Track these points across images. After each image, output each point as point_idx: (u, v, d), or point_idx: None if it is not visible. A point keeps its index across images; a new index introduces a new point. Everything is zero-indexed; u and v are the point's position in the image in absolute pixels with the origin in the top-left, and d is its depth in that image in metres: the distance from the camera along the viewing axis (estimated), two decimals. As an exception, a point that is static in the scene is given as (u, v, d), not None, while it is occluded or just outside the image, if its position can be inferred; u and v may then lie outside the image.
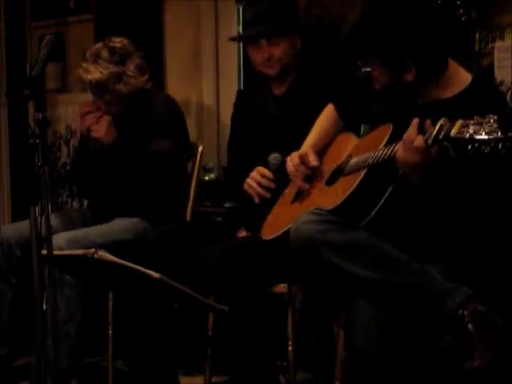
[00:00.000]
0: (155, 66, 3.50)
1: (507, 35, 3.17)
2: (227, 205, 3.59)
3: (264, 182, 2.86)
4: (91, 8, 4.59)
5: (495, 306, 2.24)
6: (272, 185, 2.85)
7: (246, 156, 3.11)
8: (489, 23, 3.20)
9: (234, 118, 3.32)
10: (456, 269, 2.28)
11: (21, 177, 4.89)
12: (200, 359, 3.19)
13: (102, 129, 3.29)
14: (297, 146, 2.82)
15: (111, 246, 3.06)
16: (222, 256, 2.69)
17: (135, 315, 3.08)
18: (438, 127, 2.14)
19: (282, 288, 2.75)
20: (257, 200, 2.87)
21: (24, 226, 3.07)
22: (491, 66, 3.17)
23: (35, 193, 2.18)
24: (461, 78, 2.43)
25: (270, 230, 2.72)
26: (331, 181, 2.64)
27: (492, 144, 2.00)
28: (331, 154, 2.76)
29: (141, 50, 3.40)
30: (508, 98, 3.02)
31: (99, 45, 3.31)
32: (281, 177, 2.82)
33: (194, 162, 3.44)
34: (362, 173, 2.42)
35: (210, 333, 3.00)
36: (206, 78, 4.21)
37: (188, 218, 3.39)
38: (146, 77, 3.36)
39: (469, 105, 2.27)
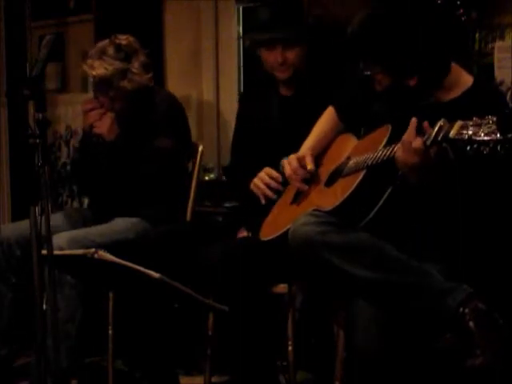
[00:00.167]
0: (155, 66, 3.50)
1: (507, 35, 3.17)
2: (227, 205, 3.59)
3: (273, 184, 2.85)
4: (91, 8, 4.59)
5: (495, 306, 2.25)
6: (281, 187, 2.85)
7: (251, 156, 3.10)
8: (489, 23, 3.20)
9: (239, 117, 3.31)
10: (455, 269, 2.29)
11: (21, 177, 4.89)
12: (200, 359, 3.19)
13: (104, 125, 3.30)
14: (299, 147, 2.81)
15: (111, 246, 3.06)
16: (222, 256, 2.69)
17: (135, 315, 3.08)
18: (437, 128, 2.14)
19: (282, 288, 2.75)
20: (263, 201, 2.86)
21: (24, 225, 3.06)
22: (491, 66, 3.17)
23: (35, 193, 2.17)
24: (462, 80, 2.43)
25: (269, 231, 2.72)
26: (330, 182, 2.64)
27: (491, 145, 2.00)
28: (331, 155, 2.76)
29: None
30: (508, 98, 3.03)
31: (105, 41, 3.31)
32: (285, 179, 2.82)
33: (194, 162, 3.44)
34: (361, 174, 2.42)
35: (210, 333, 3.00)
36: (206, 77, 4.21)
37: (188, 218, 3.39)
38: (150, 75, 3.37)
39: (470, 106, 2.27)
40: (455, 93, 2.40)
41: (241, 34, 4.09)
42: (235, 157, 3.28)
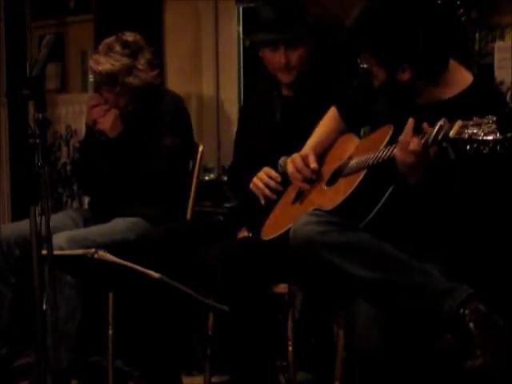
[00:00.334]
0: (155, 65, 3.52)
1: (507, 35, 3.17)
2: (227, 205, 3.59)
3: (272, 183, 2.85)
4: (91, 8, 4.59)
5: (495, 306, 2.24)
6: (280, 187, 2.84)
7: (253, 156, 3.10)
8: (489, 23, 3.20)
9: (241, 118, 3.31)
10: (456, 269, 2.28)
11: (21, 177, 4.89)
12: (200, 359, 3.19)
13: (107, 122, 3.32)
14: (302, 147, 2.81)
15: (112, 246, 3.06)
16: (222, 256, 2.69)
17: (135, 315, 3.08)
18: (437, 128, 2.14)
19: (282, 288, 2.75)
20: (263, 201, 2.86)
21: (23, 225, 3.07)
22: (491, 66, 3.17)
23: (35, 193, 2.18)
24: (461, 78, 2.43)
25: (270, 231, 2.72)
26: (332, 181, 2.64)
27: (491, 145, 2.01)
28: (333, 155, 2.76)
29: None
30: (508, 98, 3.02)
31: (111, 38, 3.33)
32: (287, 181, 2.82)
33: (194, 162, 3.44)
34: (362, 173, 2.42)
35: (209, 333, 3.00)
36: (206, 77, 4.21)
37: (188, 217, 3.39)
38: (155, 72, 3.38)
39: (469, 105, 2.27)
40: (454, 91, 2.40)
41: (241, 34, 4.09)
42: (237, 157, 3.28)
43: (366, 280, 2.28)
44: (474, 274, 2.31)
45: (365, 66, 2.44)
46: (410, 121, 2.25)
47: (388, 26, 2.35)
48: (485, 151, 2.02)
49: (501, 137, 2.00)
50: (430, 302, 2.24)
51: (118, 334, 3.24)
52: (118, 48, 3.27)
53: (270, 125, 3.10)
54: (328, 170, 2.70)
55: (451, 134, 2.09)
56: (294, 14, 2.99)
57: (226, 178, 3.67)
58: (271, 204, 2.87)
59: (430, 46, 2.36)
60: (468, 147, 2.04)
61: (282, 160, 2.87)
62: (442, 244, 2.35)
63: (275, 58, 2.99)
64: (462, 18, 3.19)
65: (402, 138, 2.24)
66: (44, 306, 2.27)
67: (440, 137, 2.13)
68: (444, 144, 2.15)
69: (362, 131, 2.74)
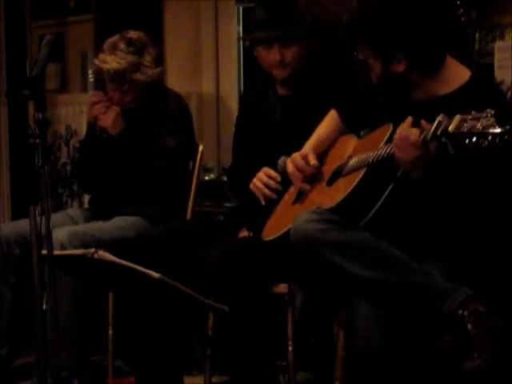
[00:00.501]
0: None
1: (507, 35, 3.17)
2: (227, 205, 3.59)
3: (271, 183, 2.85)
4: (91, 8, 4.59)
5: (495, 304, 2.24)
6: (279, 187, 2.84)
7: (251, 156, 3.10)
8: (489, 23, 3.20)
9: (238, 118, 3.31)
10: (456, 266, 2.29)
11: (21, 177, 4.89)
12: (200, 359, 3.19)
13: (109, 119, 3.33)
14: (300, 146, 2.81)
15: (111, 243, 3.08)
16: (222, 256, 2.69)
17: (135, 315, 3.08)
18: (436, 123, 2.15)
19: (282, 288, 2.75)
20: (263, 202, 2.86)
21: (23, 224, 3.07)
22: (491, 66, 3.17)
23: (35, 193, 2.17)
24: (459, 74, 2.43)
25: (271, 231, 2.72)
26: (332, 181, 2.64)
27: (490, 138, 2.01)
28: (332, 155, 2.76)
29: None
30: (508, 97, 3.02)
31: (115, 37, 3.34)
32: (287, 180, 2.82)
33: (194, 162, 3.45)
34: (362, 172, 2.42)
35: (209, 333, 3.00)
36: (206, 77, 4.21)
37: (188, 217, 3.39)
38: (160, 69, 3.39)
39: (467, 101, 2.27)
40: (452, 87, 2.40)
41: (241, 34, 4.09)
42: (236, 157, 3.28)
43: (365, 279, 2.29)
44: (474, 270, 2.31)
45: (361, 57, 2.45)
46: (409, 119, 2.26)
47: (384, 15, 2.37)
48: (484, 145, 2.02)
49: (500, 130, 2.00)
50: (430, 302, 2.24)
51: (118, 334, 3.24)
52: (122, 46, 3.29)
53: (269, 124, 3.09)
54: (328, 170, 2.70)
55: (450, 128, 2.09)
56: (288, 12, 2.99)
57: (226, 178, 3.67)
58: (271, 204, 2.87)
59: (425, 35, 2.36)
60: (467, 141, 2.04)
61: (281, 160, 2.87)
62: (442, 241, 2.36)
63: (270, 56, 3.00)
64: (462, 18, 3.19)
65: (399, 133, 2.24)
66: (44, 306, 2.27)
67: (439, 132, 2.14)
68: (443, 139, 2.15)
69: (361, 133, 2.74)
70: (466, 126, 2.05)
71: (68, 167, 4.80)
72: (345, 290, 2.42)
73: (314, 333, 3.36)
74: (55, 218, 3.33)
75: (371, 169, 2.40)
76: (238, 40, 4.11)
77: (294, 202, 2.78)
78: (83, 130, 3.60)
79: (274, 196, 2.85)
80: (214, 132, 4.18)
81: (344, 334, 2.67)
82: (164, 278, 2.36)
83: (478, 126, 2.03)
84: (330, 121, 2.81)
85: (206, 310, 2.86)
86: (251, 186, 2.89)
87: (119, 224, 3.30)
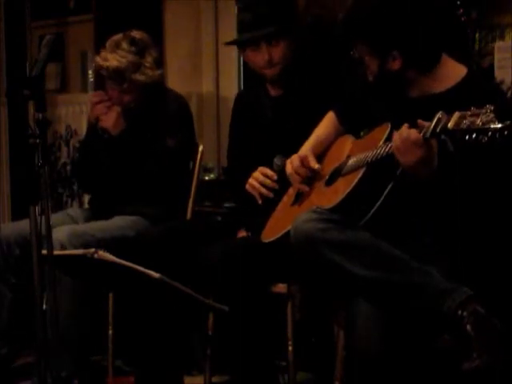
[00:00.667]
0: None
1: (507, 35, 3.17)
2: (227, 205, 3.59)
3: (268, 182, 2.85)
4: (91, 8, 4.59)
5: (494, 304, 2.24)
6: (275, 185, 2.85)
7: (246, 157, 3.10)
8: (489, 23, 3.20)
9: (233, 120, 3.32)
10: (455, 265, 2.29)
11: (21, 177, 4.89)
12: (200, 359, 3.19)
13: (110, 119, 3.33)
14: (294, 146, 2.81)
15: (111, 242, 3.08)
16: (222, 256, 2.69)
17: (135, 315, 3.08)
18: (435, 121, 2.15)
19: (281, 288, 2.75)
20: (259, 201, 2.86)
21: (23, 224, 3.07)
22: (491, 66, 3.17)
23: (35, 193, 2.17)
24: (455, 71, 2.43)
25: (270, 233, 2.72)
26: (331, 181, 2.64)
27: (489, 133, 2.01)
28: (331, 156, 2.76)
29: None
30: (508, 97, 3.02)
31: (119, 35, 3.34)
32: (283, 179, 2.82)
33: (194, 162, 3.45)
34: (361, 171, 2.42)
35: (209, 333, 3.00)
36: (206, 77, 4.21)
37: (188, 217, 3.39)
38: (161, 71, 3.40)
39: (463, 98, 2.26)
40: (447, 84, 2.40)
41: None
42: (231, 159, 3.29)
43: (365, 279, 2.28)
44: (474, 269, 2.31)
45: (357, 55, 2.45)
46: (405, 124, 2.25)
47: (380, 12, 2.37)
48: (484, 140, 2.02)
49: (499, 125, 2.00)
50: (430, 301, 2.24)
51: (118, 334, 3.24)
52: (124, 45, 3.29)
53: (262, 125, 3.10)
54: (327, 171, 2.70)
55: (449, 125, 2.09)
56: (271, 11, 3.00)
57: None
58: (269, 203, 2.86)
59: (421, 33, 2.37)
60: (467, 137, 2.04)
61: (277, 158, 2.88)
62: (442, 240, 2.35)
63: (258, 57, 3.01)
64: (462, 18, 3.19)
65: (397, 136, 2.24)
66: (44, 306, 2.27)
67: (438, 129, 2.13)
68: (443, 136, 2.15)
69: (361, 133, 2.74)
70: (465, 123, 2.05)
71: (68, 167, 4.80)
72: (345, 289, 2.42)
73: (313, 333, 3.36)
74: (55, 217, 3.34)
75: (370, 168, 2.40)
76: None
77: (293, 204, 2.78)
78: (83, 130, 3.60)
79: (271, 195, 2.85)
80: (214, 132, 4.18)
81: (344, 334, 2.67)
82: (164, 278, 2.36)
83: (478, 122, 2.03)
84: (328, 122, 2.81)
85: (205, 309, 2.86)
86: (247, 185, 2.90)
87: (119, 224, 3.30)
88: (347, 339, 2.61)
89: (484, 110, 2.03)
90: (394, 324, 2.29)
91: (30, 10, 4.85)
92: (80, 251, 2.52)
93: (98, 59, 3.33)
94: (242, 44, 3.06)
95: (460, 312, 2.20)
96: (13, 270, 3.32)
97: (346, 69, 2.95)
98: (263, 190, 2.85)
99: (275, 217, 2.83)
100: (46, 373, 2.27)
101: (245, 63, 4.06)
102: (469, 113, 2.06)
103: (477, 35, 3.21)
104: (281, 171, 2.83)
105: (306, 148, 2.77)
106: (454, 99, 2.30)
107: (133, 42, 3.31)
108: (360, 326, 2.31)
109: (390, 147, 2.30)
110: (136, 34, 3.34)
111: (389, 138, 2.37)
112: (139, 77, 3.29)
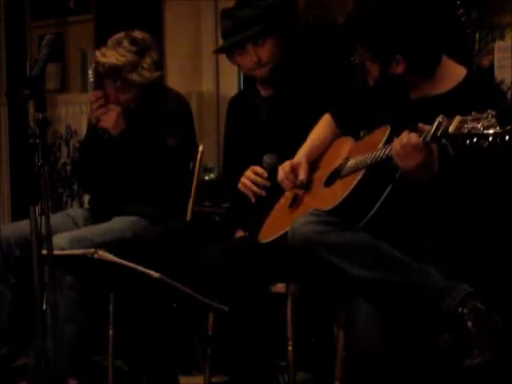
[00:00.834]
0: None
1: (507, 35, 3.17)
2: (226, 205, 3.59)
3: (259, 180, 2.86)
4: (91, 8, 4.59)
5: (495, 305, 2.24)
6: (267, 183, 2.84)
7: (241, 158, 3.10)
8: (489, 23, 3.20)
9: (227, 123, 3.32)
10: (455, 267, 2.28)
11: (21, 177, 4.89)
12: (200, 359, 3.19)
13: (110, 119, 3.33)
14: (287, 146, 2.82)
15: (112, 245, 3.07)
16: (222, 256, 2.69)
17: (136, 315, 3.08)
18: (435, 124, 2.14)
19: (281, 288, 2.75)
20: (253, 199, 2.86)
21: (23, 225, 3.07)
22: (491, 66, 3.17)
23: (35, 193, 2.17)
24: (454, 73, 2.43)
25: (268, 234, 2.72)
26: (329, 183, 2.63)
27: (491, 138, 2.00)
28: (329, 157, 2.75)
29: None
30: (508, 97, 3.02)
31: (121, 34, 3.34)
32: (273, 174, 2.81)
33: (194, 162, 3.45)
34: (361, 173, 2.42)
35: (210, 333, 3.00)
36: (206, 77, 4.21)
37: (188, 217, 3.39)
38: (160, 73, 3.40)
39: (463, 100, 2.26)
40: (447, 85, 2.40)
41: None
42: (226, 160, 3.29)
43: (365, 280, 2.28)
44: (474, 272, 2.31)
45: (358, 60, 2.44)
46: (405, 131, 2.25)
47: (381, 17, 2.36)
48: (485, 145, 2.01)
49: (501, 130, 2.00)
50: (430, 301, 2.24)
51: (118, 334, 3.24)
52: (125, 44, 3.29)
53: (255, 126, 3.11)
54: (325, 173, 2.69)
55: (450, 129, 2.08)
56: (252, 13, 3.00)
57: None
58: (264, 202, 2.86)
59: (423, 35, 2.36)
60: (468, 142, 2.03)
61: (266, 156, 2.89)
62: (442, 242, 2.35)
63: (246, 59, 3.01)
64: (462, 18, 3.19)
65: (397, 141, 2.23)
66: (44, 306, 2.27)
67: (439, 133, 2.13)
68: (443, 140, 2.15)
69: (361, 133, 2.73)
70: (466, 127, 2.04)
71: (68, 167, 4.80)
72: (345, 289, 2.41)
73: (313, 333, 3.35)
74: (55, 218, 3.34)
75: (370, 170, 2.40)
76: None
77: (291, 205, 2.78)
78: (83, 130, 3.60)
79: (263, 193, 2.84)
80: (214, 132, 4.18)
81: (344, 334, 2.67)
82: (164, 278, 2.36)
83: (479, 126, 2.02)
84: (324, 124, 2.80)
85: (205, 309, 2.86)
86: (240, 185, 2.90)
87: (119, 226, 3.29)
88: (347, 339, 2.61)
89: (485, 115, 2.02)
90: (394, 324, 2.29)
91: (30, 9, 4.86)
92: (80, 251, 2.52)
93: (96, 54, 3.33)
94: (228, 49, 3.06)
95: (460, 309, 2.20)
96: (13, 270, 3.32)
97: (345, 69, 2.94)
98: (255, 189, 2.85)
99: (272, 218, 2.83)
100: (45, 373, 2.27)
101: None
102: (470, 117, 2.05)
103: (477, 35, 3.21)
104: (273, 168, 2.83)
105: (301, 154, 2.76)
106: (455, 100, 2.30)
107: (134, 41, 3.31)
108: (360, 326, 2.31)
109: (390, 149, 2.29)
110: (138, 34, 3.34)
111: (388, 140, 2.36)
112: (135, 77, 3.29)
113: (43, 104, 2.19)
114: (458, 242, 2.28)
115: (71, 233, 3.21)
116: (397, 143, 2.24)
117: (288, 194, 2.82)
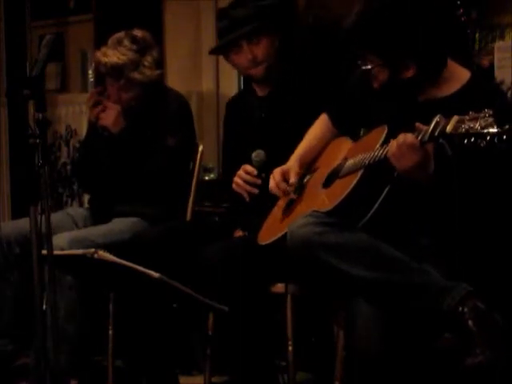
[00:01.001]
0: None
1: (507, 35, 3.17)
2: (225, 205, 3.59)
3: (249, 178, 2.85)
4: (91, 8, 4.60)
5: (494, 305, 2.24)
6: (257, 181, 2.84)
7: (239, 158, 3.10)
8: (489, 23, 3.20)
9: (225, 125, 3.33)
10: (454, 268, 2.28)
11: (21, 177, 4.89)
12: (200, 359, 3.19)
13: (110, 117, 3.34)
14: (284, 145, 2.82)
15: (112, 246, 3.06)
16: (222, 256, 2.69)
17: (135, 315, 3.08)
18: (433, 124, 2.14)
19: (281, 288, 2.75)
20: (247, 198, 2.86)
21: (23, 223, 3.07)
22: (491, 66, 3.17)
23: (35, 193, 2.17)
24: (458, 75, 2.42)
25: (266, 236, 2.71)
26: (328, 183, 2.63)
27: (488, 138, 2.00)
28: (326, 158, 2.75)
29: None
30: (508, 97, 3.02)
31: (121, 33, 3.35)
32: (265, 171, 2.81)
33: (194, 162, 3.45)
34: (359, 173, 2.41)
35: (209, 333, 3.00)
36: (206, 77, 4.22)
37: (188, 217, 3.39)
38: (160, 71, 3.41)
39: (467, 102, 2.26)
40: (452, 88, 2.40)
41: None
42: (225, 161, 3.29)
43: (364, 280, 2.28)
44: (472, 272, 2.31)
45: (367, 67, 2.42)
46: (402, 134, 2.24)
47: (390, 23, 2.34)
48: (482, 145, 2.01)
49: (498, 129, 1.99)
50: (430, 300, 2.24)
51: (118, 334, 3.24)
52: (126, 42, 3.30)
53: (252, 126, 3.11)
54: (323, 173, 2.69)
55: (448, 129, 2.08)
56: (247, 12, 3.00)
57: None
58: (259, 200, 2.85)
59: (431, 38, 2.35)
60: (465, 141, 2.03)
61: (254, 154, 2.88)
62: (440, 242, 2.35)
63: (242, 58, 3.01)
64: (462, 18, 3.19)
65: (393, 142, 2.23)
66: (44, 306, 2.27)
67: (436, 133, 2.13)
68: (441, 140, 2.14)
69: (361, 132, 2.73)
70: (463, 127, 2.04)
71: (68, 167, 4.80)
72: (344, 290, 2.41)
73: (314, 333, 3.35)
74: (55, 217, 3.34)
75: (368, 170, 2.40)
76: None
77: (289, 206, 2.77)
78: (83, 130, 3.61)
79: (255, 191, 2.84)
80: (214, 132, 4.18)
81: (344, 334, 2.67)
82: (164, 278, 2.36)
83: (477, 126, 2.02)
84: (320, 124, 2.80)
85: (205, 309, 2.86)
86: (233, 185, 2.90)
87: (119, 227, 3.29)
88: (347, 339, 2.61)
89: (483, 114, 2.02)
90: (394, 324, 2.29)
91: (30, 9, 4.86)
92: (80, 251, 2.52)
93: (97, 54, 3.34)
94: (223, 48, 3.06)
95: (460, 308, 2.20)
96: (13, 268, 3.32)
97: (345, 70, 2.94)
98: (247, 187, 2.85)
99: (271, 219, 2.82)
100: (45, 373, 2.27)
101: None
102: (467, 117, 2.05)
103: (477, 35, 3.21)
104: (262, 165, 2.83)
105: (294, 158, 2.76)
106: (460, 103, 2.29)
107: (134, 40, 3.31)
108: (360, 326, 2.31)
109: (387, 150, 2.29)
110: (138, 32, 3.35)
111: (386, 141, 2.36)
112: (137, 75, 3.30)
113: (43, 104, 2.19)
114: (456, 242, 2.28)
115: (71, 233, 3.21)
116: (393, 143, 2.24)
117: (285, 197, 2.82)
